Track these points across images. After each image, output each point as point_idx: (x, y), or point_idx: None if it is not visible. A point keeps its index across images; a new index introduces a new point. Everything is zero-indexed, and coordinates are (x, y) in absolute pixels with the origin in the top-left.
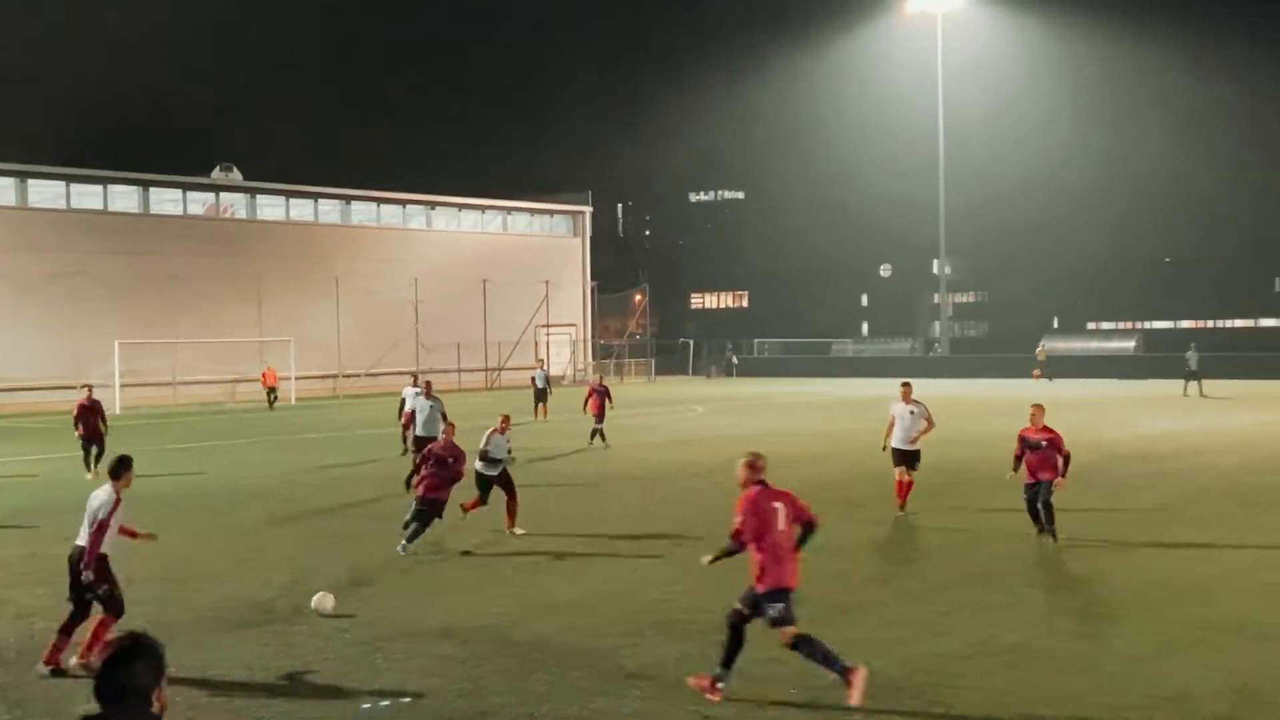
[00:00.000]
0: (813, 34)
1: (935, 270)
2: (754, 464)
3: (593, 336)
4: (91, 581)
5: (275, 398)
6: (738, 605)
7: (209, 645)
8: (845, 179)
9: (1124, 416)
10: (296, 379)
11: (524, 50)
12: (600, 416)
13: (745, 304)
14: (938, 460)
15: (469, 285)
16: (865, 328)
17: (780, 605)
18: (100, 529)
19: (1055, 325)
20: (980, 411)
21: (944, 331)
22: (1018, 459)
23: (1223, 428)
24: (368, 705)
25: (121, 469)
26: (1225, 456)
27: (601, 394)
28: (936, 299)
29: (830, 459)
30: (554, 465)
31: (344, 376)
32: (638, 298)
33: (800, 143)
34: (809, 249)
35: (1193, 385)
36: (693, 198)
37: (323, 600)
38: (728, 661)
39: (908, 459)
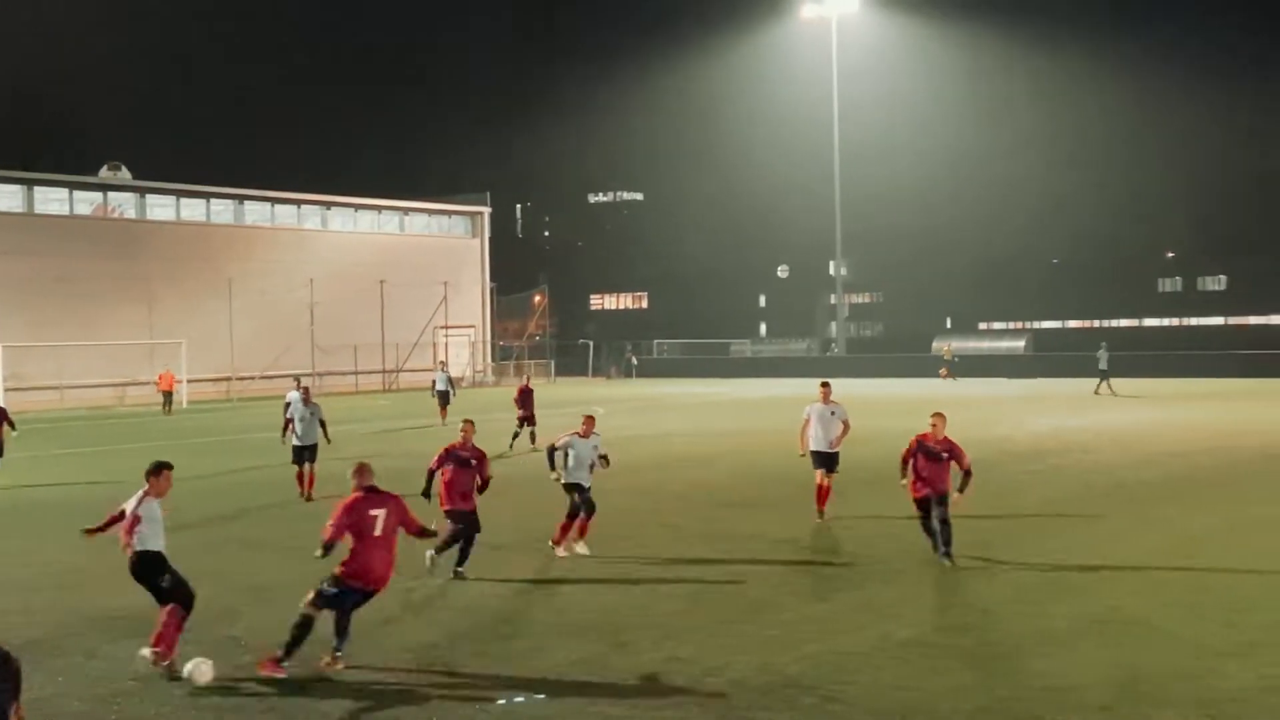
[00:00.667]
0: (710, 38)
1: (831, 271)
2: (361, 471)
3: (492, 338)
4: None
5: (171, 402)
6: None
7: (103, 655)
8: (743, 181)
9: (1015, 415)
10: (189, 382)
11: (424, 50)
12: (531, 418)
13: (645, 305)
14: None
15: (366, 286)
16: (763, 328)
17: (333, 593)
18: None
19: (949, 325)
20: (882, 412)
21: (841, 332)
22: (905, 462)
23: (1110, 425)
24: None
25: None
26: (1112, 453)
27: (529, 393)
28: (833, 299)
29: (726, 459)
30: None
31: (238, 379)
32: (537, 299)
33: (699, 145)
34: (707, 250)
35: (1109, 383)
36: (592, 199)
37: (198, 670)
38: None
39: (828, 462)
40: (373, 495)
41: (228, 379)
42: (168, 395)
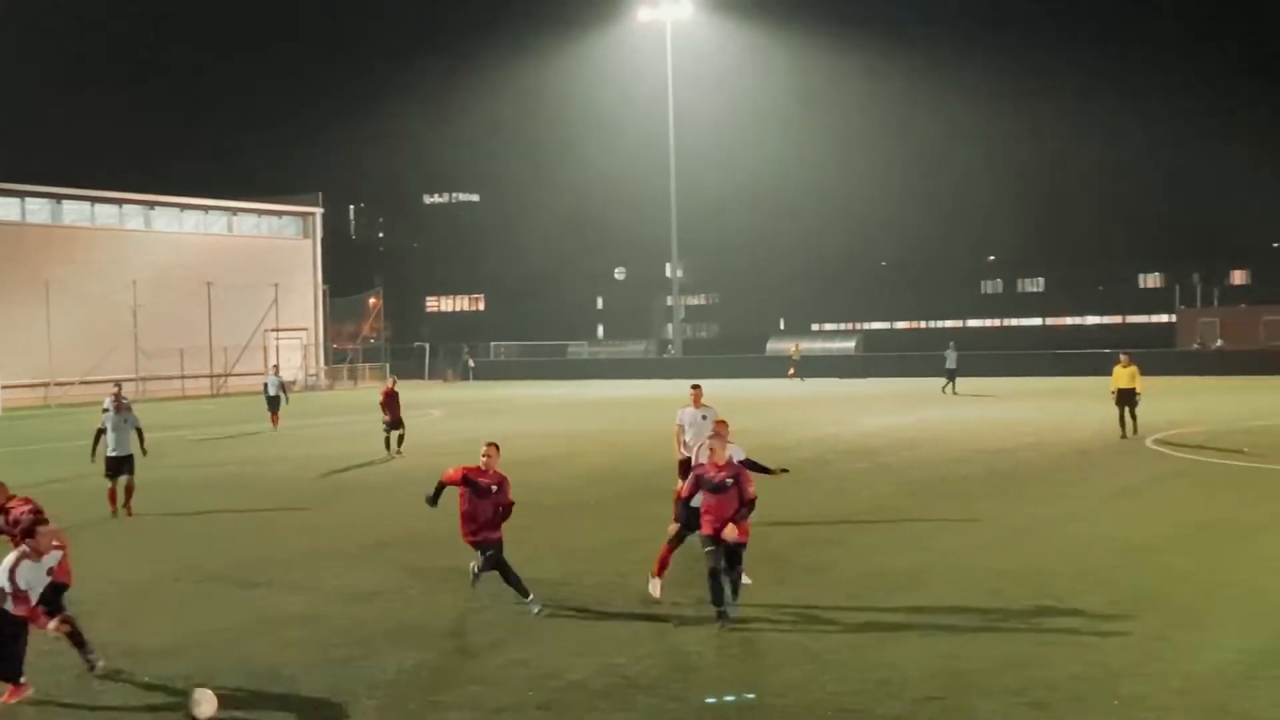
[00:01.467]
0: (547, 40)
1: (668, 273)
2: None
3: (325, 341)
4: None
5: None
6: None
7: None
8: (580, 183)
9: (845, 413)
10: (2, 388)
11: (255, 49)
12: (398, 421)
13: (481, 307)
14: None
15: (192, 288)
16: (600, 330)
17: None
18: None
19: (782, 326)
20: (725, 413)
21: (677, 333)
22: (685, 501)
23: (936, 422)
24: None
25: None
26: (935, 449)
27: (395, 396)
28: (669, 302)
29: (563, 460)
30: (292, 474)
31: (56, 385)
32: (372, 301)
33: (535, 147)
34: (544, 252)
35: (954, 383)
36: (427, 200)
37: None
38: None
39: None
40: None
41: (45, 384)
42: None
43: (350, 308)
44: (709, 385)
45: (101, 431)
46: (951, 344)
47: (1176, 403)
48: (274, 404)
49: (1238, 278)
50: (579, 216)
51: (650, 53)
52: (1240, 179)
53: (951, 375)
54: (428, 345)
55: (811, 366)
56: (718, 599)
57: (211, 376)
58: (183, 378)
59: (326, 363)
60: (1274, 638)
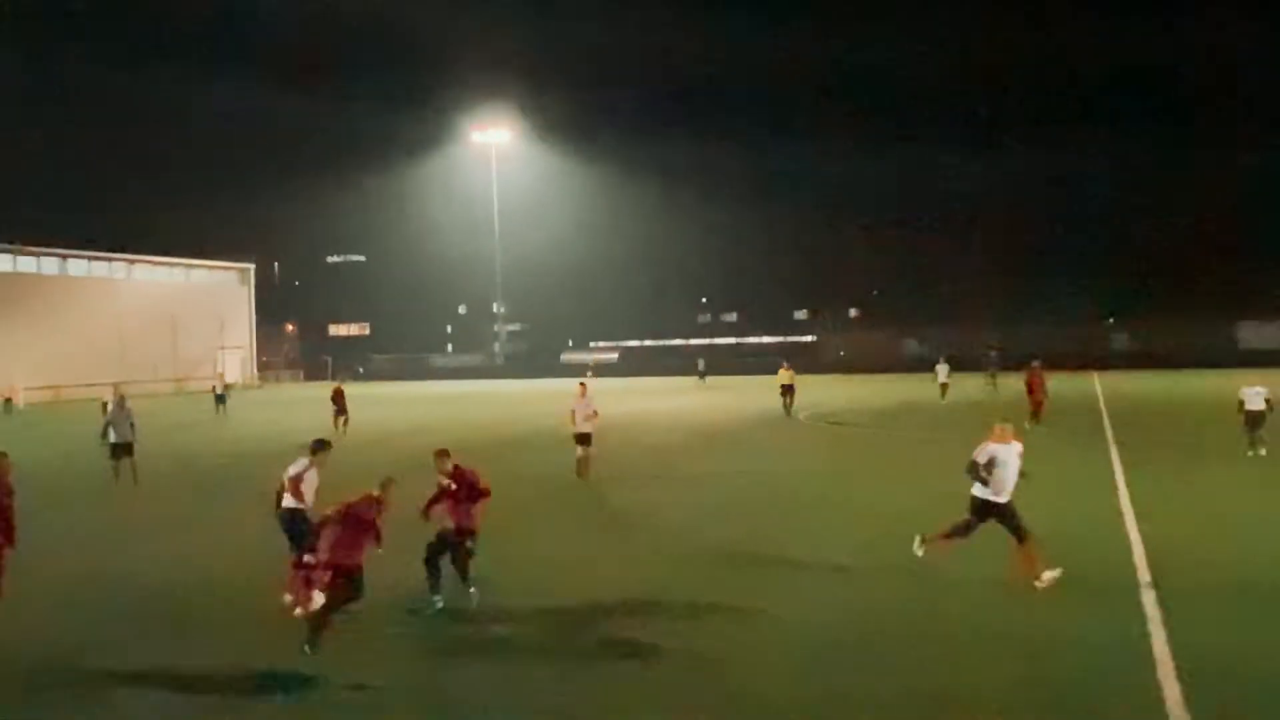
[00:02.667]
0: (408, 151)
1: (494, 309)
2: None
3: (257, 354)
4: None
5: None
6: None
7: None
8: (436, 248)
9: (621, 401)
10: (24, 389)
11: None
12: (343, 409)
13: (368, 331)
14: (509, 433)
15: (163, 320)
16: (450, 346)
17: None
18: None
19: (570, 344)
20: (525, 401)
21: (501, 348)
22: (433, 504)
23: (669, 407)
24: None
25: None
26: (661, 422)
27: (341, 393)
28: (496, 327)
29: (427, 434)
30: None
31: (63, 387)
32: (289, 327)
33: (405, 223)
34: (411, 293)
35: (705, 380)
36: (329, 259)
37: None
38: None
39: (585, 440)
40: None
41: (56, 387)
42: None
43: (275, 331)
44: (525, 384)
45: (109, 424)
46: (701, 359)
47: (817, 392)
48: (219, 400)
49: (854, 313)
50: (435, 271)
51: (482, 161)
52: (854, 248)
53: (702, 375)
54: (330, 358)
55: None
56: (436, 584)
57: (175, 380)
58: (155, 381)
59: (258, 370)
60: (872, 532)
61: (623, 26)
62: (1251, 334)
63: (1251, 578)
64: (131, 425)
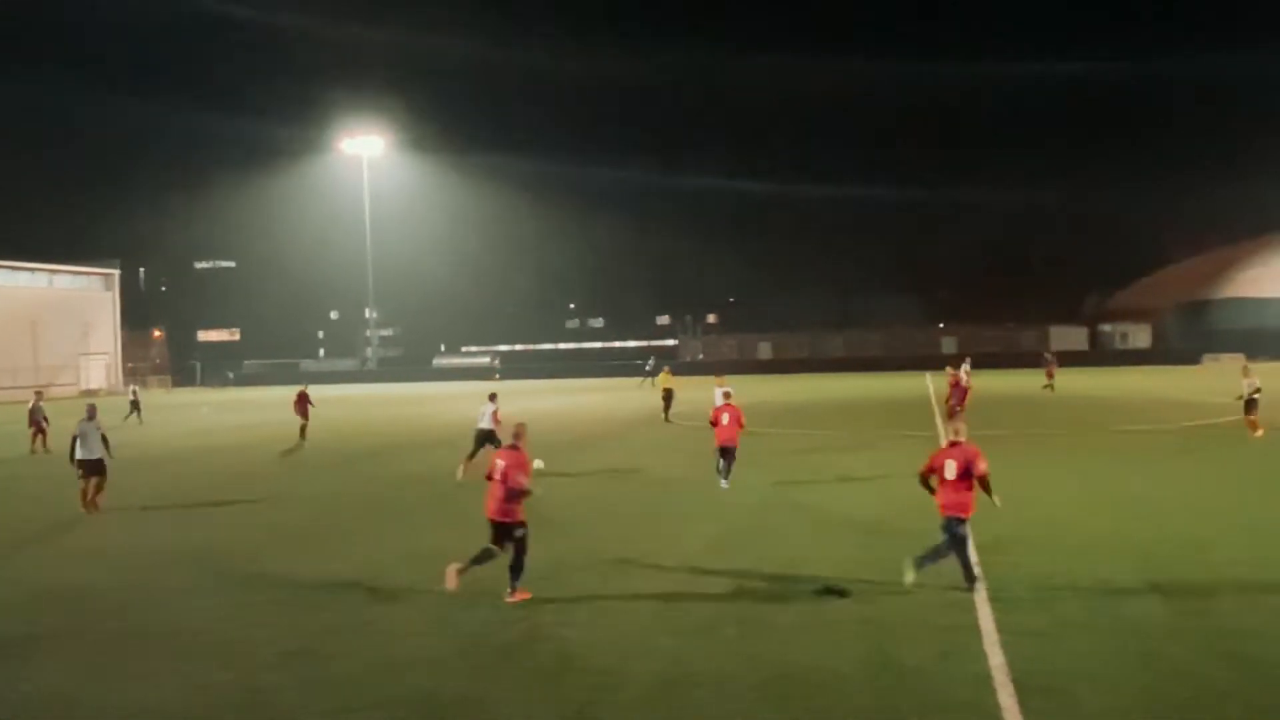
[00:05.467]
0: (279, 157)
1: (367, 315)
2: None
3: (123, 360)
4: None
5: None
6: None
7: None
8: (308, 254)
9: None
10: None
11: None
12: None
13: (238, 337)
14: (374, 443)
15: (24, 325)
16: (322, 351)
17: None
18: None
19: (442, 349)
20: (401, 403)
21: (374, 353)
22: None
23: (551, 406)
24: None
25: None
26: (553, 420)
27: (305, 398)
28: (368, 332)
29: (274, 443)
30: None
31: None
32: (156, 334)
33: (277, 228)
34: (283, 300)
35: (650, 381)
36: (197, 264)
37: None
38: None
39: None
40: (505, 450)
41: None
42: None
43: (141, 338)
44: (396, 386)
45: (75, 438)
46: (652, 357)
47: (685, 394)
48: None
49: (712, 318)
50: (307, 277)
51: (355, 170)
52: (708, 258)
53: (647, 375)
54: (199, 363)
55: (463, 374)
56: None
57: (36, 388)
58: (15, 387)
59: (123, 376)
60: (726, 524)
61: (495, 41)
62: (1062, 338)
63: (1065, 563)
64: (105, 440)
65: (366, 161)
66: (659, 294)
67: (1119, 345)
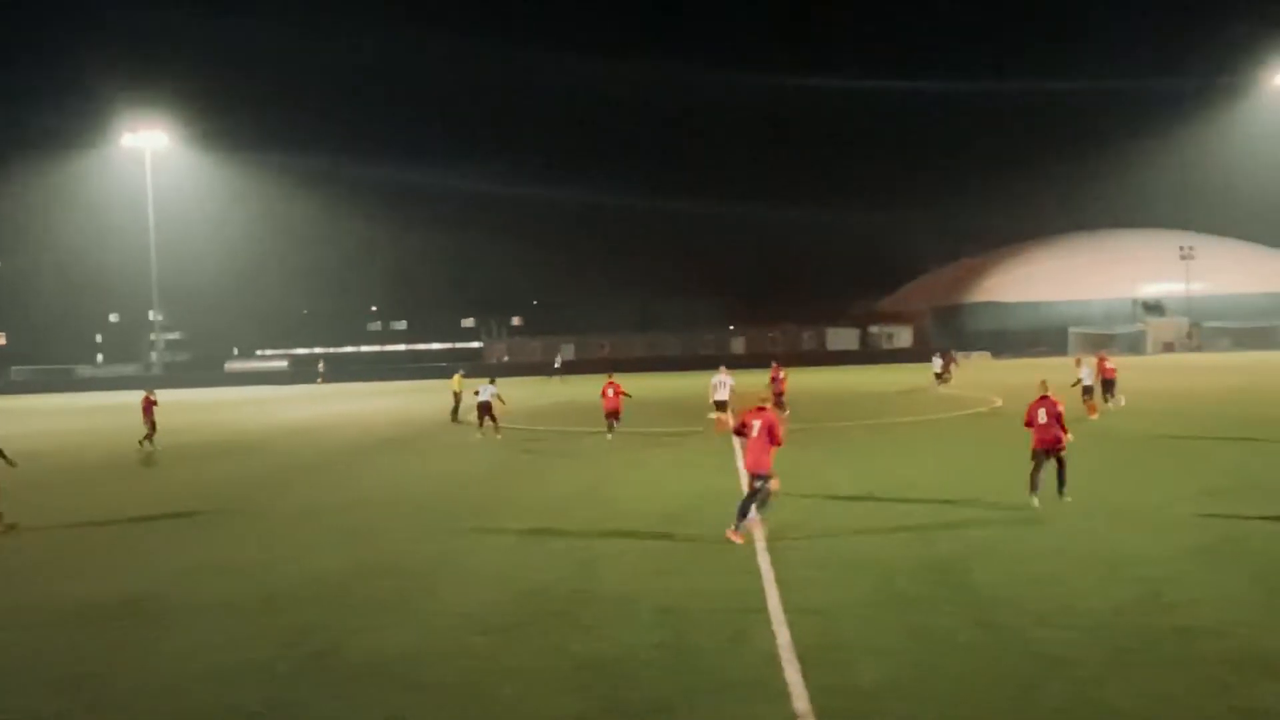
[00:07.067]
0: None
1: (151, 317)
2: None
3: None
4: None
5: None
6: None
7: None
8: (84, 253)
9: (276, 409)
10: None
11: None
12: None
13: (4, 342)
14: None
15: None
16: (100, 356)
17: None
18: None
19: (236, 353)
20: (191, 410)
21: (160, 357)
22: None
23: (353, 410)
24: None
25: None
26: (351, 427)
27: (152, 403)
28: (153, 336)
29: (62, 453)
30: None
31: None
32: None
33: (50, 226)
34: (55, 302)
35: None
36: None
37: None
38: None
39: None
40: (754, 410)
41: None
42: None
43: None
44: (183, 392)
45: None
46: (561, 350)
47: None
48: None
49: (517, 320)
50: (82, 277)
51: (136, 165)
52: (512, 262)
53: (557, 372)
54: None
55: (256, 379)
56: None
57: None
58: None
59: None
60: (530, 522)
61: (291, 39)
62: (837, 338)
63: (843, 545)
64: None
65: (150, 155)
66: (463, 297)
67: (885, 345)
